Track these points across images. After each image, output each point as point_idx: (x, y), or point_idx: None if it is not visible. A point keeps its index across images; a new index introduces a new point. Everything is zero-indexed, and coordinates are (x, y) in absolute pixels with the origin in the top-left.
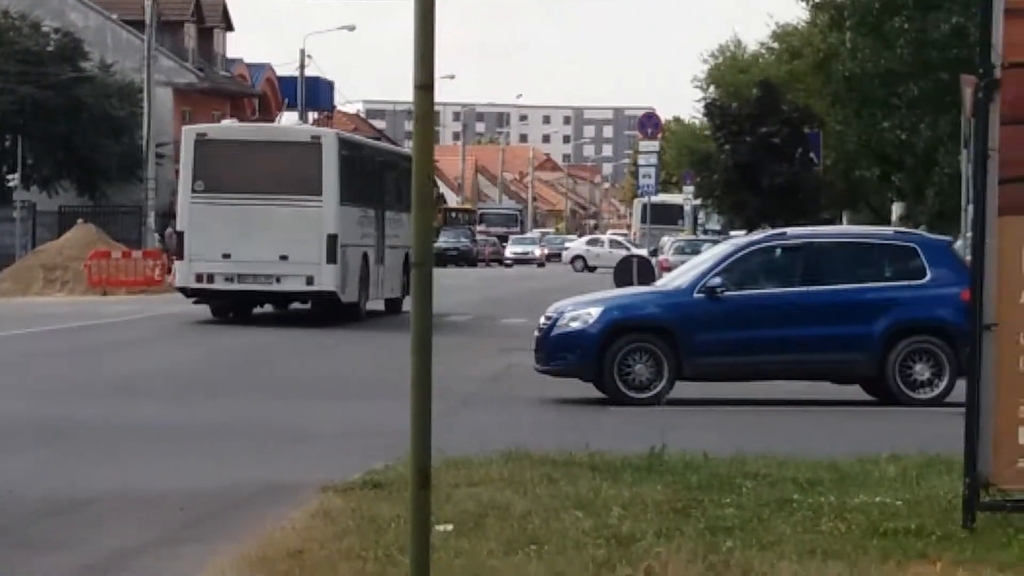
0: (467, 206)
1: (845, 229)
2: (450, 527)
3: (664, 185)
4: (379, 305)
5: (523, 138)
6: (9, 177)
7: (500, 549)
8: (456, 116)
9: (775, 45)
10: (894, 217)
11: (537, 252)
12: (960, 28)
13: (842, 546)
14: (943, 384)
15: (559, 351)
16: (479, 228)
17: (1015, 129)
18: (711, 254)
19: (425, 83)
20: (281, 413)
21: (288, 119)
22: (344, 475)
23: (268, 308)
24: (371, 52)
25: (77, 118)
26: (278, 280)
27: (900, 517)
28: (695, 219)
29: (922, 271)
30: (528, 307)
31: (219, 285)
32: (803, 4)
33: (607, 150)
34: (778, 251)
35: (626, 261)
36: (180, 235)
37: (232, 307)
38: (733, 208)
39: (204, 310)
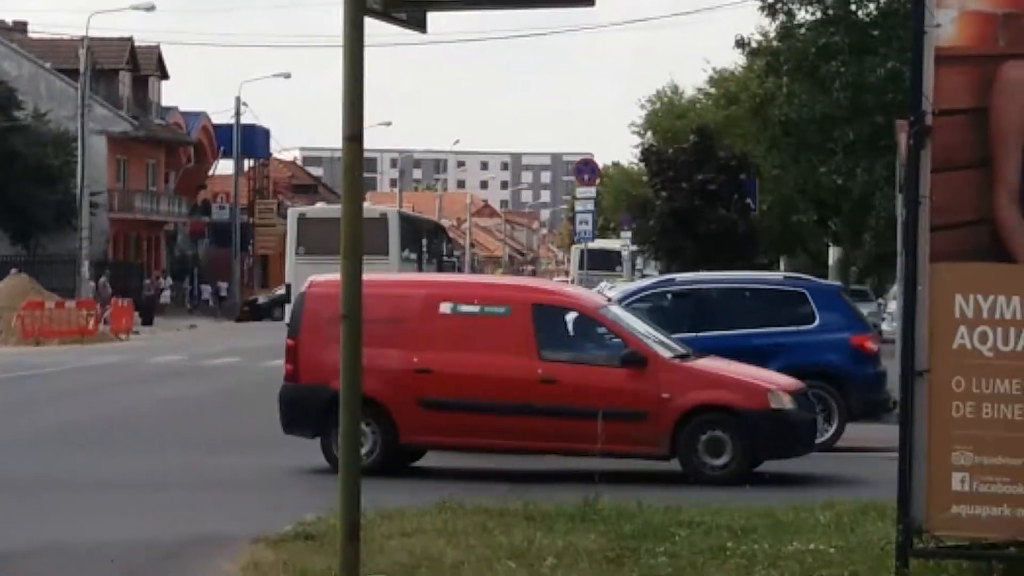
0: None
1: (735, 275)
2: None
3: (602, 231)
4: None
5: (461, 184)
6: None
7: None
8: (393, 163)
9: (712, 91)
10: (831, 262)
11: None
12: (896, 72)
13: None
14: (832, 429)
15: None
16: None
17: (946, 176)
18: None
19: (353, 134)
20: (214, 465)
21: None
22: (276, 527)
23: None
24: (308, 99)
25: (11, 167)
26: None
27: (834, 564)
28: (633, 265)
29: (811, 316)
30: None
31: None
32: (739, 50)
33: (545, 196)
34: (667, 297)
35: None
36: (288, 286)
37: None
38: (670, 254)
39: (136, 360)
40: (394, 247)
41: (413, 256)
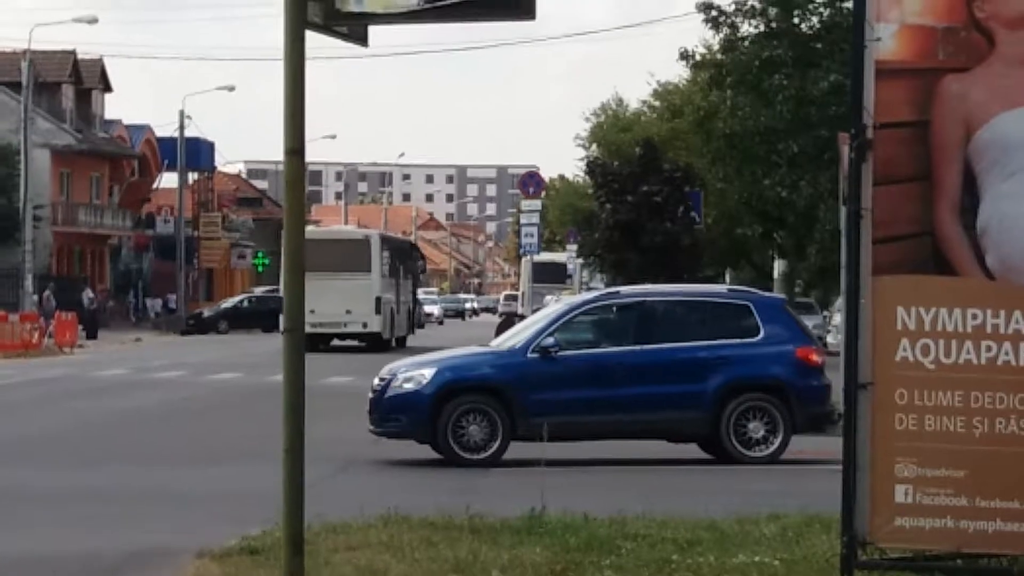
0: None
1: (679, 288)
2: None
3: (548, 243)
4: (392, 342)
5: (406, 197)
6: None
7: None
8: (338, 176)
9: (657, 103)
10: (776, 274)
11: None
12: (839, 85)
13: None
14: (777, 442)
15: (393, 413)
16: None
17: (887, 189)
18: (545, 313)
19: (294, 148)
20: (160, 478)
21: (341, 227)
22: (221, 540)
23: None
24: (252, 112)
25: None
26: (345, 325)
27: None
28: (580, 277)
29: (756, 329)
30: None
31: (308, 329)
32: (684, 62)
33: (491, 209)
34: (612, 310)
35: (508, 320)
36: (282, 300)
37: (310, 344)
38: (615, 267)
39: (80, 373)
40: (376, 265)
41: (392, 273)
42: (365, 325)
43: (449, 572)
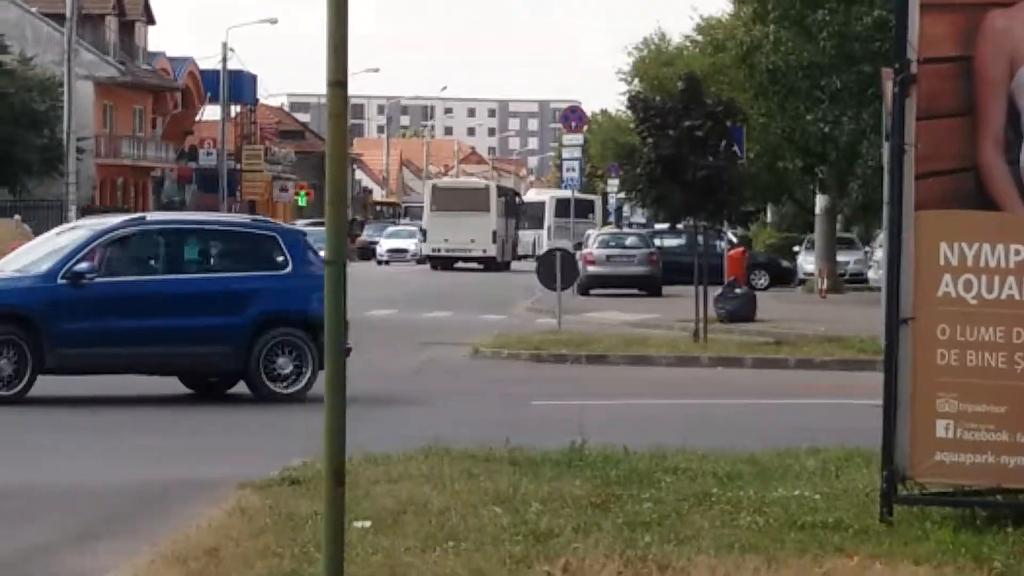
0: (392, 199)
1: (206, 216)
2: (368, 523)
3: (590, 178)
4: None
5: (448, 131)
6: None
7: (417, 546)
8: (380, 109)
9: (699, 38)
10: (818, 210)
11: (413, 247)
12: (883, 20)
13: (760, 540)
14: (306, 377)
15: None
16: (404, 221)
17: (931, 124)
18: (72, 238)
19: (338, 80)
20: (201, 410)
21: (468, 179)
22: (262, 472)
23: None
24: (295, 44)
25: None
26: (469, 251)
27: (818, 511)
28: (620, 212)
29: (284, 262)
30: (453, 302)
31: (443, 253)
32: None
33: (532, 143)
34: (138, 237)
35: (549, 255)
36: (424, 231)
37: (443, 265)
38: (656, 201)
39: None
40: (492, 207)
41: (503, 213)
42: (484, 251)
43: (490, 504)
